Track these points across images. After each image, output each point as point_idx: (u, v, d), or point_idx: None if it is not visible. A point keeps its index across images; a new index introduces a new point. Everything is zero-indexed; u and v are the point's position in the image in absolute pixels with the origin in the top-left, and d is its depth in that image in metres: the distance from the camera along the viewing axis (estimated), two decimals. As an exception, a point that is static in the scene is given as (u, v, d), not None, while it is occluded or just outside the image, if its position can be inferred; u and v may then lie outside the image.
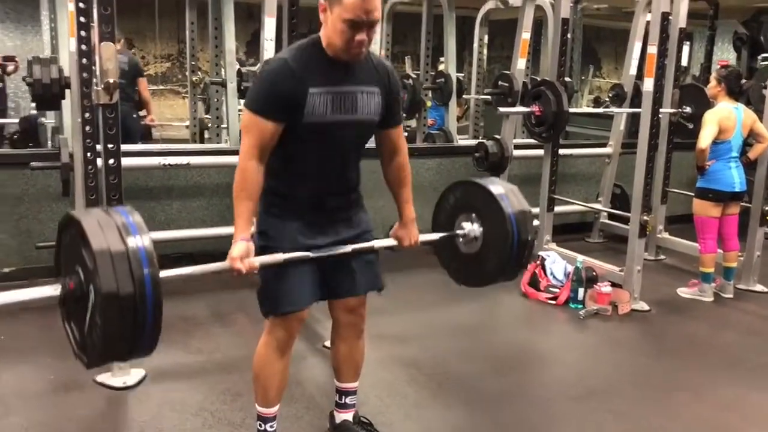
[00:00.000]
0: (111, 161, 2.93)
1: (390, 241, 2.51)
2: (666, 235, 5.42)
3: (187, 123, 6.93)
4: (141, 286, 1.70)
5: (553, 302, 4.35)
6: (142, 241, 1.76)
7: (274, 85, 2.14)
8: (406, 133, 7.72)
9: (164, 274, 1.89)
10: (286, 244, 2.24)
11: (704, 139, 4.31)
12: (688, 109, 5.15)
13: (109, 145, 2.92)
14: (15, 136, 6.82)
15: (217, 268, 2.16)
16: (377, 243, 2.45)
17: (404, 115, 6.80)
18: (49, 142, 5.52)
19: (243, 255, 2.12)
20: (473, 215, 2.60)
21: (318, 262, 2.31)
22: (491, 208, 2.54)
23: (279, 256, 2.22)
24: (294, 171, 2.26)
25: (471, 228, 2.59)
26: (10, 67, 7.66)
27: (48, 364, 3.28)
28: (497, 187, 2.58)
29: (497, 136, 5.25)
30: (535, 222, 5.01)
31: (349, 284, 2.40)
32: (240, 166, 2.18)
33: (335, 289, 2.40)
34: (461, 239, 2.62)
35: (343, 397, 2.63)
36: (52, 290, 1.80)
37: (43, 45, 7.02)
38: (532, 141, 5.54)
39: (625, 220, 5.20)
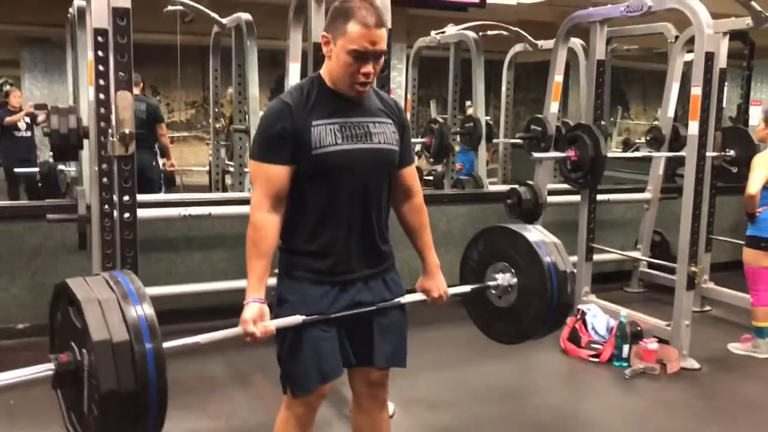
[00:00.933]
0: (126, 215, 2.77)
1: (418, 296, 2.30)
2: (711, 284, 5.12)
3: (208, 168, 6.83)
4: (143, 372, 1.55)
5: (596, 360, 4.07)
6: (143, 311, 1.61)
7: (272, 126, 1.98)
8: (431, 177, 7.56)
9: (169, 344, 1.74)
10: (305, 310, 2.04)
11: (754, 185, 4.06)
12: (731, 152, 4.91)
13: (125, 198, 2.76)
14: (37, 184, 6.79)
15: (228, 335, 1.99)
16: (404, 299, 2.22)
17: (431, 160, 6.65)
18: (69, 194, 5.41)
19: (256, 318, 1.94)
20: (506, 264, 2.40)
21: (338, 327, 2.09)
22: (527, 256, 2.34)
23: (297, 318, 2.02)
24: (311, 223, 2.05)
25: (504, 279, 2.39)
26: (41, 117, 7.70)
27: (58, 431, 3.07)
28: (533, 233, 2.38)
29: (530, 182, 5.04)
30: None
31: (371, 353, 2.15)
32: (251, 220, 2.00)
33: (354, 357, 2.16)
34: (493, 291, 2.42)
35: None
36: (45, 370, 1.60)
37: (69, 95, 7.02)
38: (565, 186, 5.32)
39: (667, 269, 4.95)
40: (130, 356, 1.54)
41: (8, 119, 8.04)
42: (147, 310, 1.63)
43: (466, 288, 2.46)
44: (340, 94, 2.03)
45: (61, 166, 5.49)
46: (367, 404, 2.29)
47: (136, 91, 5.74)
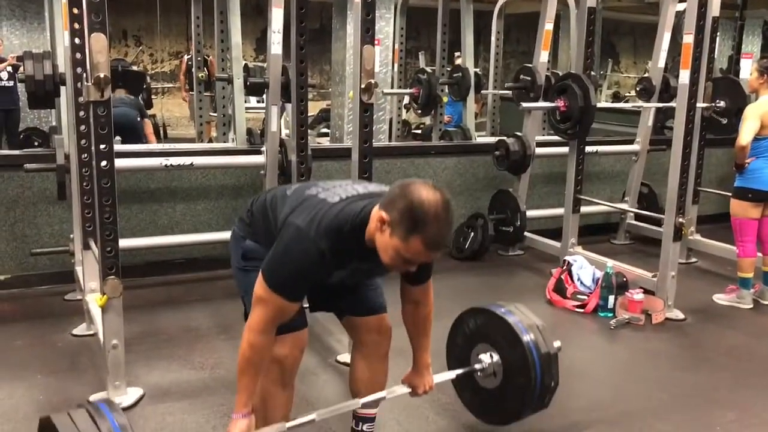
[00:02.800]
0: (103, 163, 2.68)
1: (403, 389, 2.37)
2: (698, 236, 5.12)
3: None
4: None
5: (581, 310, 4.07)
6: None
7: (306, 273, 1.90)
8: (419, 131, 7.49)
9: None
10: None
11: (745, 135, 4.01)
12: (722, 103, 4.85)
13: (101, 146, 2.67)
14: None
15: None
16: (388, 392, 2.31)
17: (419, 111, 6.55)
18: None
19: None
20: (491, 346, 2.51)
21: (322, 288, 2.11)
22: (510, 342, 2.45)
23: (282, 426, 2.07)
24: None
25: (489, 362, 2.51)
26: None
27: (39, 381, 3.05)
28: (514, 315, 2.48)
29: (519, 134, 4.99)
30: (554, 343, 4.76)
31: (367, 304, 2.21)
32: (249, 338, 1.93)
33: (351, 308, 2.19)
34: (479, 373, 2.54)
35: (360, 424, 2.39)
36: None
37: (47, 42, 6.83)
38: (553, 138, 5.26)
39: (654, 221, 4.94)
40: None
41: (-9, 69, 7.81)
42: None
43: (452, 374, 2.57)
44: (372, 249, 1.87)
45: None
46: (369, 352, 2.30)
47: (121, 94, 5.66)
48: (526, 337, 2.41)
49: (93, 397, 2.85)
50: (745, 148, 4.02)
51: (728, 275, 4.57)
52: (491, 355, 2.49)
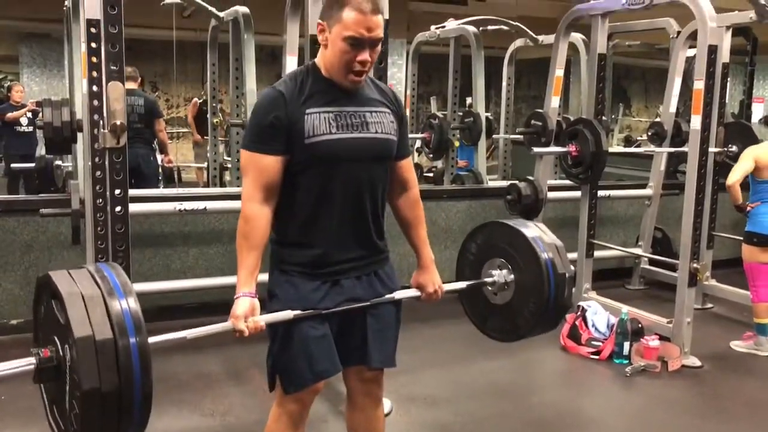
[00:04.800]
0: (118, 209, 2.71)
1: (412, 291, 2.23)
2: (713, 281, 5.07)
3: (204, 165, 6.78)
4: (127, 368, 1.49)
5: (596, 357, 4.02)
6: (128, 305, 1.55)
7: (266, 115, 1.93)
8: (431, 173, 7.48)
9: (155, 339, 1.69)
10: (295, 305, 1.99)
11: (734, 175, 4.06)
12: (734, 148, 4.85)
13: (116, 192, 2.71)
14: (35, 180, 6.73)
15: (217, 330, 1.95)
16: (398, 294, 2.16)
17: (431, 156, 6.60)
18: (65, 188, 5.36)
19: (247, 313, 1.89)
20: (502, 260, 2.35)
21: (330, 323, 2.04)
22: (525, 254, 2.29)
23: (287, 314, 1.97)
24: (303, 214, 1.99)
25: (500, 275, 2.34)
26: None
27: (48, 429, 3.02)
28: (532, 230, 2.33)
29: (530, 178, 4.99)
30: (574, 268, 4.72)
31: (364, 353, 2.10)
32: (242, 212, 1.95)
33: (347, 355, 2.10)
34: (490, 288, 2.37)
35: None
36: (26, 364, 1.56)
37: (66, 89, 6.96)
38: (565, 182, 5.27)
39: (669, 266, 4.90)
40: (113, 353, 1.49)
41: (10, 115, 7.97)
42: (132, 304, 1.57)
43: (462, 284, 2.41)
44: (335, 83, 1.97)
45: (58, 162, 5.45)
46: (362, 401, 2.23)
47: (135, 85, 5.70)
48: (544, 253, 2.26)
49: None
50: (732, 187, 4.06)
51: (745, 321, 4.50)
52: (504, 269, 2.35)
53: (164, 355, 3.90)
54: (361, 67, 1.92)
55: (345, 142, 1.95)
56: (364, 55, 1.91)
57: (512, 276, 2.33)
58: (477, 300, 2.45)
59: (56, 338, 1.54)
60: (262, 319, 1.93)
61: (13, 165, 6.83)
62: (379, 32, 1.91)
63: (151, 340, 1.64)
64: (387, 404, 2.87)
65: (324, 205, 1.99)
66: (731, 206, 5.88)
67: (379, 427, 2.29)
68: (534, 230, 2.33)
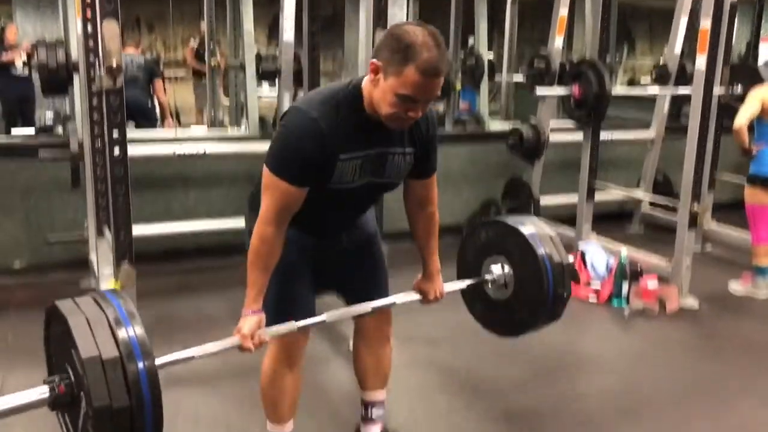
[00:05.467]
0: (116, 151, 2.70)
1: (413, 295, 2.31)
2: (713, 224, 5.08)
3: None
4: (136, 388, 1.54)
5: (595, 299, 4.05)
6: (134, 331, 1.60)
7: (301, 150, 1.83)
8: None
9: (161, 360, 1.74)
10: (294, 248, 2.03)
11: (740, 117, 3.98)
12: (739, 90, 4.79)
13: (114, 134, 2.69)
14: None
15: (224, 347, 1.99)
16: (399, 298, 2.24)
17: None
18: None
19: (254, 331, 1.92)
20: (503, 258, 2.42)
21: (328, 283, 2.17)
22: (522, 249, 2.36)
23: (292, 324, 2.01)
24: (304, 216, 1.98)
25: (500, 273, 2.41)
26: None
27: (54, 368, 3.07)
28: (528, 227, 2.40)
29: (533, 120, 4.95)
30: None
31: (369, 292, 2.18)
32: (258, 230, 1.91)
33: (353, 293, 2.18)
34: (490, 285, 2.44)
35: (369, 409, 2.39)
36: (41, 394, 1.60)
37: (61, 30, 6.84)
38: (568, 124, 5.22)
39: (669, 209, 4.89)
40: (121, 372, 1.51)
41: (5, 57, 7.84)
42: (138, 330, 1.61)
43: (463, 284, 2.48)
44: (374, 120, 1.86)
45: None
46: (370, 337, 2.29)
47: (136, 51, 5.61)
48: (540, 248, 2.32)
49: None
50: (740, 131, 3.98)
51: (744, 263, 4.52)
52: (503, 266, 2.41)
53: (168, 298, 3.95)
54: (409, 122, 1.84)
55: (359, 188, 1.96)
56: (416, 112, 1.80)
57: (511, 272, 2.40)
58: (478, 296, 2.53)
59: (67, 365, 1.59)
60: (267, 333, 1.97)
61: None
62: (438, 91, 1.79)
63: (158, 361, 1.69)
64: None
65: (325, 214, 2.04)
66: (734, 148, 5.83)
67: (386, 365, 2.34)
68: (529, 226, 2.41)
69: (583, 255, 4.27)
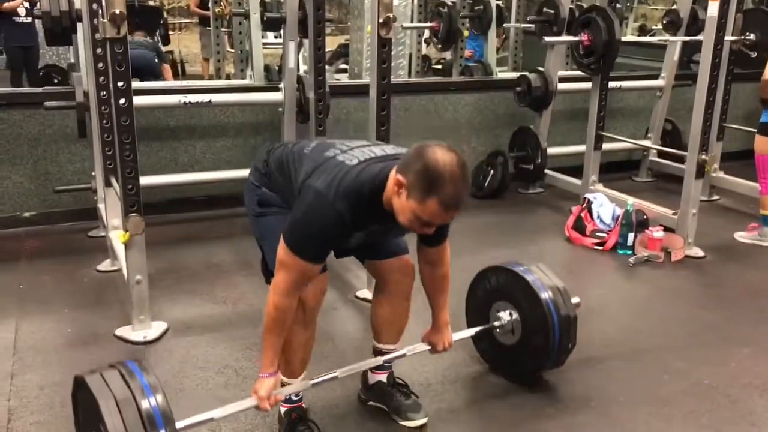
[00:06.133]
0: (122, 101, 2.68)
1: (422, 347, 2.41)
2: (721, 174, 5.05)
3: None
4: None
5: (600, 248, 4.07)
6: (156, 402, 1.80)
7: (324, 236, 1.92)
8: (440, 66, 7.33)
9: (182, 424, 1.90)
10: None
11: None
12: (751, 36, 4.71)
13: (119, 83, 2.67)
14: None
15: (242, 408, 2.09)
16: (409, 350, 2.37)
17: (439, 46, 6.43)
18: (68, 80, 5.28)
19: (270, 393, 2.03)
20: (511, 305, 2.56)
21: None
22: (532, 303, 2.49)
23: (305, 383, 2.19)
24: None
25: (508, 320, 2.55)
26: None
27: (66, 315, 3.14)
28: (534, 274, 2.52)
29: (540, 69, 4.89)
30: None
31: (388, 247, 2.25)
32: (275, 301, 1.96)
33: (372, 253, 2.24)
34: (498, 330, 2.59)
35: (380, 356, 2.42)
36: None
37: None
38: (576, 73, 5.16)
39: (677, 158, 4.87)
40: None
41: (7, 4, 7.74)
42: (160, 401, 1.80)
43: (471, 332, 2.60)
44: (390, 212, 1.90)
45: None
46: (393, 291, 2.31)
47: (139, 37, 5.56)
48: (546, 297, 2.45)
49: (119, 331, 2.94)
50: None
51: (751, 213, 4.52)
52: (510, 313, 2.55)
53: (176, 247, 3.99)
54: (423, 235, 1.98)
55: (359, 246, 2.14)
56: (431, 231, 1.90)
57: (518, 318, 2.53)
58: (488, 341, 2.68)
59: None
60: (282, 392, 2.13)
61: None
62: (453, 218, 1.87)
63: (179, 425, 1.86)
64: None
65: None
66: (745, 97, 5.78)
67: (404, 319, 2.38)
68: (536, 273, 2.53)
69: (589, 205, 4.27)
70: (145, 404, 1.75)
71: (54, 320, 3.10)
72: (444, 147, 1.79)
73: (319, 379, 2.22)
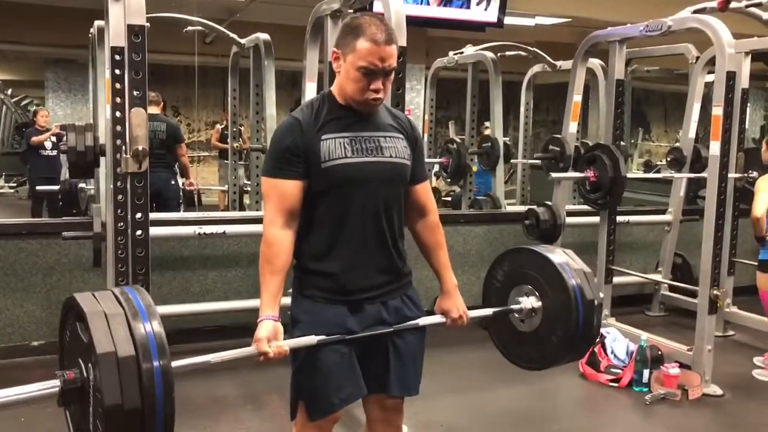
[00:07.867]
0: (138, 232, 2.75)
1: (437, 318, 2.23)
2: (734, 308, 5.00)
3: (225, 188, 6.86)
4: (149, 389, 1.51)
5: (615, 385, 3.97)
6: (152, 328, 1.56)
7: (283, 141, 1.99)
8: (449, 198, 7.46)
9: (178, 363, 1.70)
10: (319, 331, 1.99)
11: (759, 207, 4.02)
12: (754, 174, 4.81)
13: (137, 216, 2.75)
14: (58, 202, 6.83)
15: (241, 354, 1.95)
16: (422, 321, 2.15)
17: (449, 180, 6.62)
18: (88, 211, 5.43)
19: (270, 336, 1.90)
20: (530, 287, 2.32)
21: (354, 347, 2.04)
22: (553, 281, 2.26)
23: (311, 339, 1.97)
24: (323, 239, 2.02)
25: (527, 302, 2.31)
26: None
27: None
28: (560, 256, 2.30)
29: (548, 203, 4.98)
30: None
31: (386, 381, 2.10)
32: (264, 237, 1.99)
33: (368, 383, 2.10)
34: (516, 315, 2.34)
35: None
36: (50, 387, 1.58)
37: (90, 114, 7.08)
38: (584, 207, 5.25)
39: (689, 292, 4.84)
40: (135, 371, 1.49)
41: (35, 138, 8.14)
42: (156, 327, 1.57)
43: (488, 311, 2.37)
44: (351, 109, 2.02)
45: (81, 184, 5.53)
46: (382, 429, 2.22)
47: (157, 110, 5.78)
48: (572, 281, 2.21)
49: None
50: (760, 219, 4.02)
51: (767, 348, 4.43)
52: (531, 297, 2.31)
53: (179, 378, 3.89)
54: (375, 95, 1.97)
55: (360, 166, 1.99)
56: (377, 84, 1.96)
57: (540, 303, 2.29)
58: (503, 327, 2.42)
59: (80, 360, 1.55)
60: (286, 344, 1.94)
61: (38, 188, 6.94)
62: (392, 62, 1.96)
63: (175, 363, 1.65)
64: (404, 430, 2.85)
65: (342, 230, 2.01)
66: (752, 233, 5.82)
67: None
68: (561, 256, 2.30)
69: (603, 340, 4.20)
70: (139, 327, 1.54)
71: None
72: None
73: (329, 338, 1.99)
